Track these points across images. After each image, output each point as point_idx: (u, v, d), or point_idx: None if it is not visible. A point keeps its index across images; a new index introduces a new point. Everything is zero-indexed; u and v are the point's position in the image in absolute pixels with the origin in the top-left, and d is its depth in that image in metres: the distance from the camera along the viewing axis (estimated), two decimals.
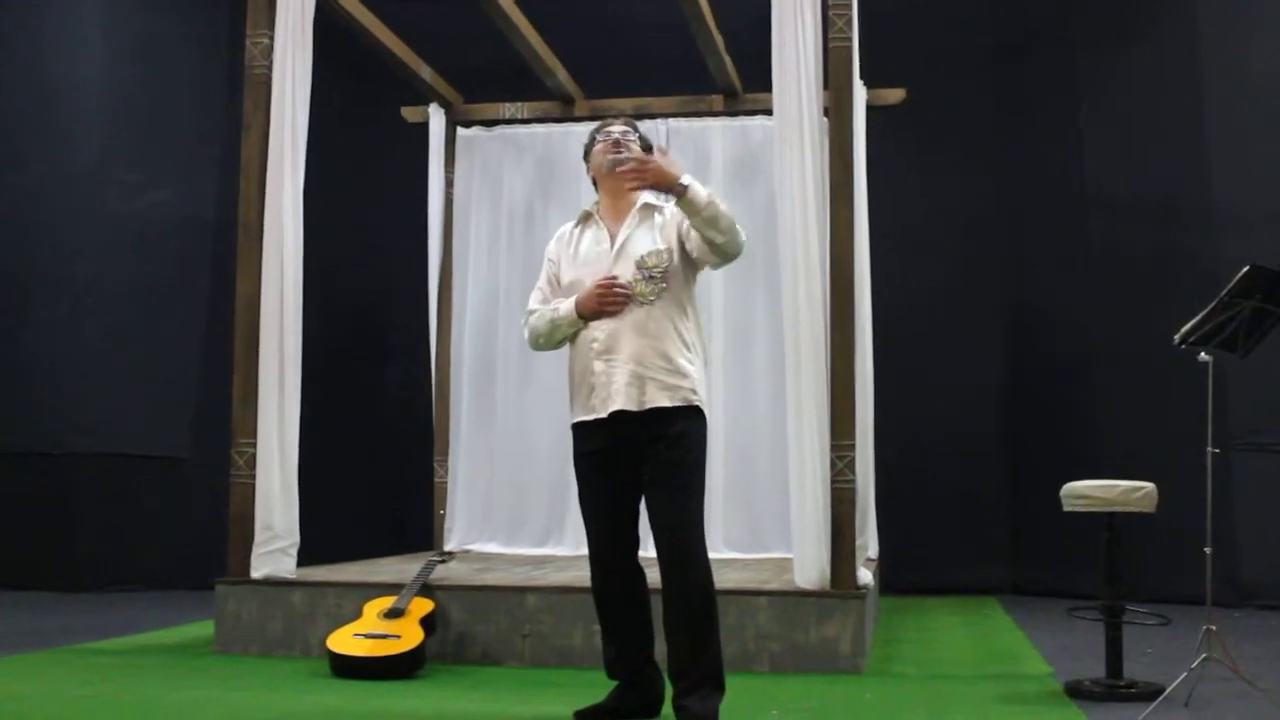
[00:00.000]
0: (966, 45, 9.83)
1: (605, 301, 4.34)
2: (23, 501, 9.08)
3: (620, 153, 4.49)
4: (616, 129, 4.60)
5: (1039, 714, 4.71)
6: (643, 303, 4.34)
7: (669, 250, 4.40)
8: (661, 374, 4.30)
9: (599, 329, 4.37)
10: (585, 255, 4.53)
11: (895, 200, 8.60)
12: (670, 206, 4.48)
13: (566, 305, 4.44)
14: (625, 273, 4.38)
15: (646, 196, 4.54)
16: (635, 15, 9.62)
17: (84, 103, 9.49)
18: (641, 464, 4.32)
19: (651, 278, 4.36)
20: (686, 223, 4.38)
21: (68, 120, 9.47)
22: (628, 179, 4.29)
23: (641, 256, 4.39)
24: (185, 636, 6.76)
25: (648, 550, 4.42)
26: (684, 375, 4.33)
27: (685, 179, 4.22)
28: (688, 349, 4.37)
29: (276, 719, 4.56)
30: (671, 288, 4.38)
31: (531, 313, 4.58)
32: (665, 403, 4.30)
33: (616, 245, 4.45)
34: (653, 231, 4.46)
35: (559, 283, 4.56)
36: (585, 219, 4.62)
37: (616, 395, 4.31)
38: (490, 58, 8.74)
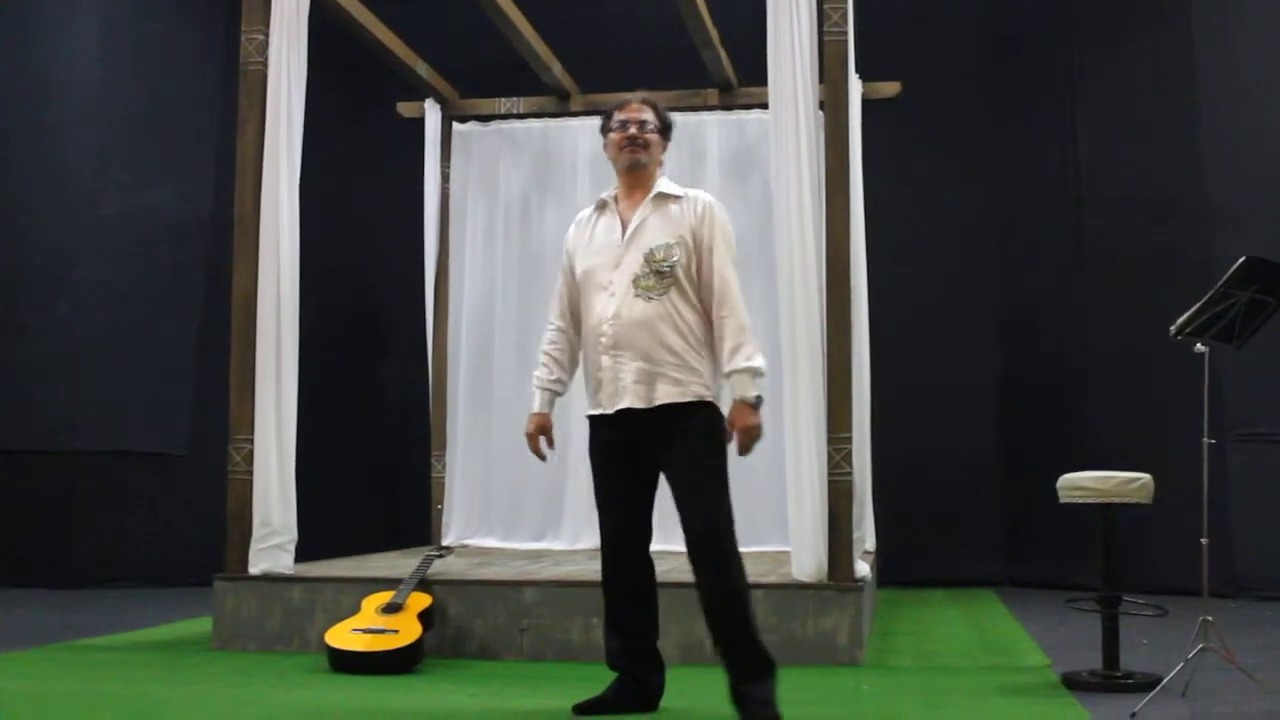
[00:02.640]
0: (962, 40, 9.87)
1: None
2: (22, 499, 9.10)
3: (637, 152, 4.45)
4: (634, 118, 4.50)
5: (1036, 705, 4.73)
6: (650, 298, 4.32)
7: (680, 244, 4.36)
8: (671, 369, 4.30)
9: (606, 322, 4.36)
10: (597, 243, 4.50)
11: (891, 193, 8.63)
12: (688, 199, 4.44)
13: (534, 400, 4.62)
14: (634, 262, 4.36)
15: (662, 185, 4.49)
16: (630, 10, 9.65)
17: (80, 102, 9.51)
18: (660, 460, 4.33)
19: (659, 272, 4.33)
20: (704, 229, 4.38)
21: (64, 120, 9.50)
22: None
23: (650, 249, 4.36)
24: (184, 633, 6.78)
25: (661, 543, 4.47)
26: (694, 371, 4.32)
27: (749, 398, 4.28)
28: (698, 343, 4.35)
29: (275, 714, 4.56)
30: (681, 281, 4.35)
31: (550, 336, 4.67)
32: (675, 399, 4.29)
33: (627, 234, 4.43)
34: (666, 221, 4.41)
35: (574, 273, 4.55)
36: (601, 207, 4.59)
37: (624, 393, 4.31)
38: (486, 53, 8.76)
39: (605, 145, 4.59)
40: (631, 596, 4.49)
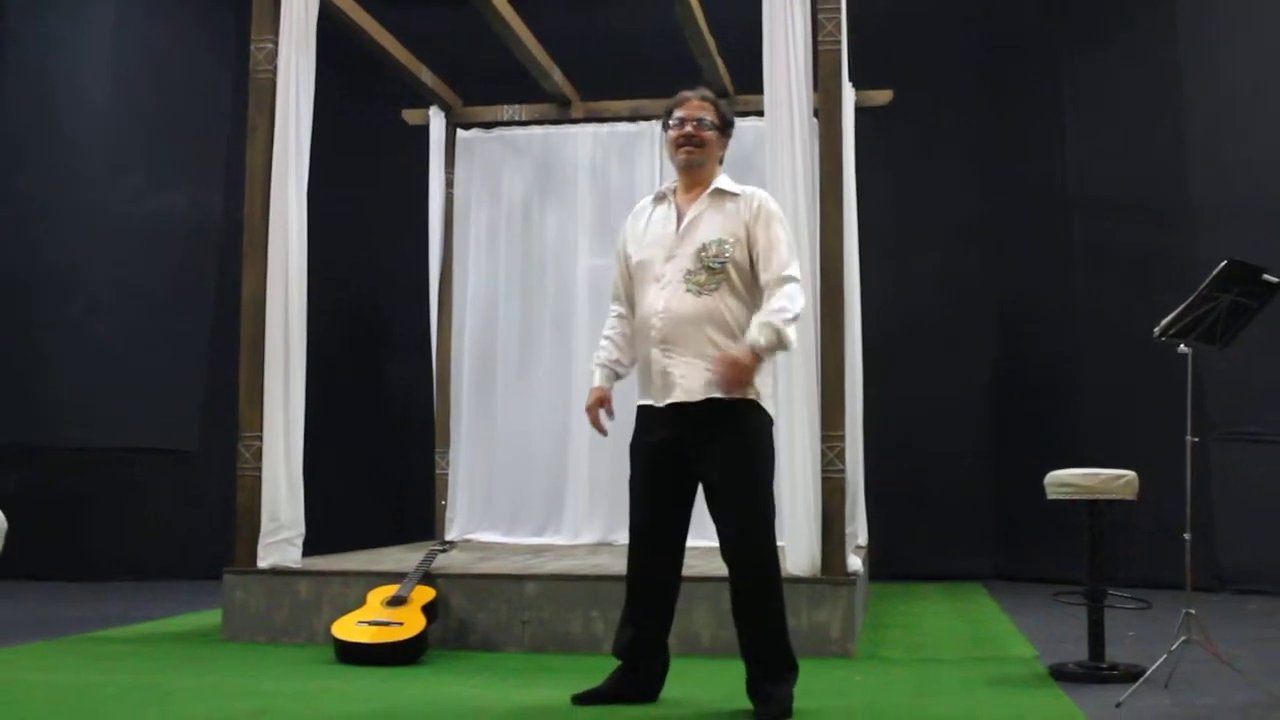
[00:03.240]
0: (953, 48, 9.93)
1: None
2: (37, 495, 9.15)
3: (693, 152, 4.47)
4: (691, 116, 4.50)
5: (1024, 696, 4.78)
6: (700, 293, 4.33)
7: (734, 241, 4.36)
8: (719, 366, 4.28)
9: (657, 315, 4.37)
10: (652, 234, 4.51)
11: (884, 197, 8.70)
12: (744, 196, 4.45)
13: (594, 376, 4.65)
14: (687, 256, 4.37)
15: (719, 182, 4.50)
16: (630, 19, 9.70)
17: (93, 107, 9.60)
18: (701, 461, 4.32)
19: (710, 268, 4.33)
20: (758, 227, 4.37)
21: (78, 124, 9.58)
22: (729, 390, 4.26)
23: (703, 244, 4.35)
24: (194, 625, 6.85)
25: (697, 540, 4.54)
26: None
27: (760, 345, 4.21)
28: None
29: (283, 704, 4.60)
30: (732, 278, 4.35)
31: (610, 321, 4.71)
32: (721, 394, 4.27)
33: (682, 227, 4.43)
34: (722, 217, 4.40)
35: (629, 262, 4.58)
36: (659, 198, 4.61)
37: (672, 388, 4.33)
38: (489, 61, 8.83)
39: (666, 142, 4.61)
40: (655, 592, 4.50)
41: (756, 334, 4.24)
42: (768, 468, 4.40)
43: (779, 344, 4.26)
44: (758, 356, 4.25)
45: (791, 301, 4.29)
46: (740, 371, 4.22)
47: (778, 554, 4.39)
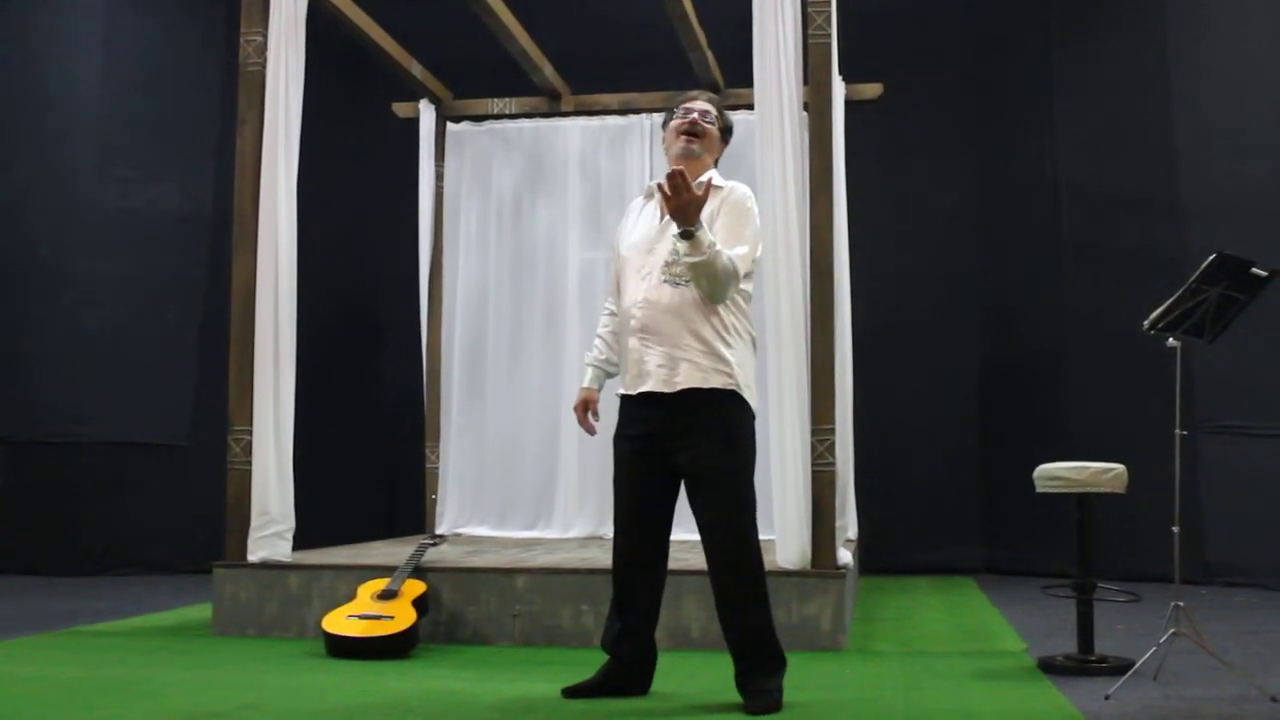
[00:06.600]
0: (943, 42, 9.93)
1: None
2: (27, 489, 9.18)
3: (692, 141, 4.48)
4: (697, 106, 4.56)
5: (1013, 689, 4.78)
6: (677, 284, 4.35)
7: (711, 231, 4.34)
8: (697, 356, 4.30)
9: (636, 306, 4.40)
10: (639, 229, 4.55)
11: (873, 192, 8.72)
12: (725, 189, 4.46)
13: (584, 376, 4.71)
14: (666, 249, 4.39)
15: (706, 177, 4.50)
16: (620, 13, 9.71)
17: (83, 100, 9.57)
18: (680, 453, 4.33)
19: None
20: (719, 213, 4.37)
21: (67, 117, 9.56)
22: (669, 176, 4.13)
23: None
24: (184, 619, 6.84)
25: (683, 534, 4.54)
26: (720, 359, 4.32)
27: (698, 226, 4.15)
28: (727, 333, 4.35)
29: (273, 698, 4.59)
30: None
31: (603, 319, 4.74)
32: (697, 384, 4.29)
33: (664, 219, 4.43)
34: (705, 210, 4.34)
35: (619, 258, 4.61)
36: (649, 194, 4.63)
37: (647, 376, 4.35)
38: (479, 54, 8.82)
39: (664, 137, 4.65)
40: (640, 587, 4.50)
41: (707, 232, 4.19)
42: (748, 459, 4.41)
43: (706, 252, 4.16)
44: (694, 217, 4.13)
45: (734, 259, 4.25)
46: (687, 198, 4.10)
47: (759, 546, 4.39)
